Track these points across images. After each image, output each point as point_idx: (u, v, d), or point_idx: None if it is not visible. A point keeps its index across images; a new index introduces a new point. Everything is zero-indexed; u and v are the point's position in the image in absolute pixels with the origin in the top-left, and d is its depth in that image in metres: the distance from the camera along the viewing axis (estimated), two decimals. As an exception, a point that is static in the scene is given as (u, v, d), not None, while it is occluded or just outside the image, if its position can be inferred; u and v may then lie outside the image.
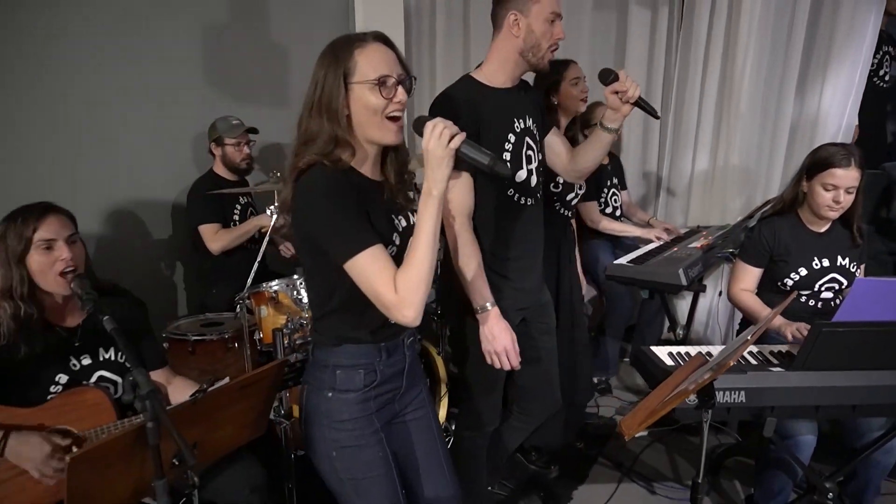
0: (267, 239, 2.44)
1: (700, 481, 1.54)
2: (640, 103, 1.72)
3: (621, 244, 3.31)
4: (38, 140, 2.65)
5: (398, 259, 1.30)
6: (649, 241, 3.20)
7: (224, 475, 1.75)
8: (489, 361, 1.76)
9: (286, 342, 2.11)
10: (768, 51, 3.26)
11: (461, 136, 1.24)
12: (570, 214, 2.61)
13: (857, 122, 3.30)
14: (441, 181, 1.24)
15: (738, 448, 2.79)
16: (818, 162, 2.06)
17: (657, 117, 1.81)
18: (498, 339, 1.72)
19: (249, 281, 2.30)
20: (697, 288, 3.02)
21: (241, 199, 3.08)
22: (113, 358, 1.75)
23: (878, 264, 2.91)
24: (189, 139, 3.18)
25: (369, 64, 1.26)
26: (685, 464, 2.82)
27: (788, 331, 2.01)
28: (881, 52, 3.77)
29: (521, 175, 1.81)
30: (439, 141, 1.23)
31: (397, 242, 1.34)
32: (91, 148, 2.79)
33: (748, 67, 3.28)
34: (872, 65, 3.70)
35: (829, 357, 1.73)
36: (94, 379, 1.71)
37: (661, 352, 1.96)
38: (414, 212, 1.41)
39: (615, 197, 3.35)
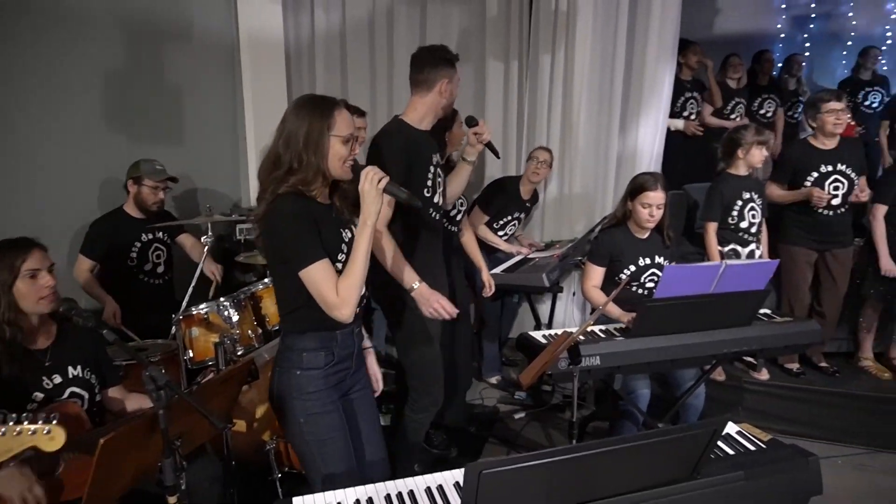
0: (201, 266, 2.70)
1: (574, 420, 2.10)
2: (489, 144, 2.46)
3: (492, 258, 3.91)
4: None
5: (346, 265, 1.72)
6: (512, 255, 3.82)
7: (188, 467, 2.02)
8: (433, 316, 2.16)
9: (227, 355, 2.40)
10: (597, 99, 4.07)
11: (386, 179, 1.70)
12: (455, 229, 3.14)
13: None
14: (374, 213, 1.68)
15: (594, 415, 3.45)
16: (636, 187, 2.78)
17: (497, 157, 2.63)
18: (432, 299, 2.14)
19: (184, 304, 2.55)
20: (556, 289, 3.70)
21: (143, 236, 3.18)
22: (80, 375, 1.96)
23: (687, 262, 3.75)
24: (95, 181, 3.30)
25: (344, 123, 1.70)
26: (557, 434, 3.43)
27: (625, 318, 2.67)
28: (684, 97, 4.80)
29: (437, 198, 2.37)
30: (371, 183, 1.68)
31: (345, 251, 1.75)
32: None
33: (582, 112, 4.07)
34: (679, 107, 4.74)
35: (654, 326, 2.40)
36: (66, 395, 1.91)
37: (538, 335, 2.55)
38: (356, 225, 1.83)
39: (513, 227, 3.95)
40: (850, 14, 6.46)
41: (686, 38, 4.85)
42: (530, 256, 3.72)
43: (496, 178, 4.05)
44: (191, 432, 1.78)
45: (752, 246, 3.32)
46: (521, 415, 3.61)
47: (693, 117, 4.83)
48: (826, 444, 3.27)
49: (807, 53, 6.54)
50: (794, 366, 3.54)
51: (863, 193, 3.33)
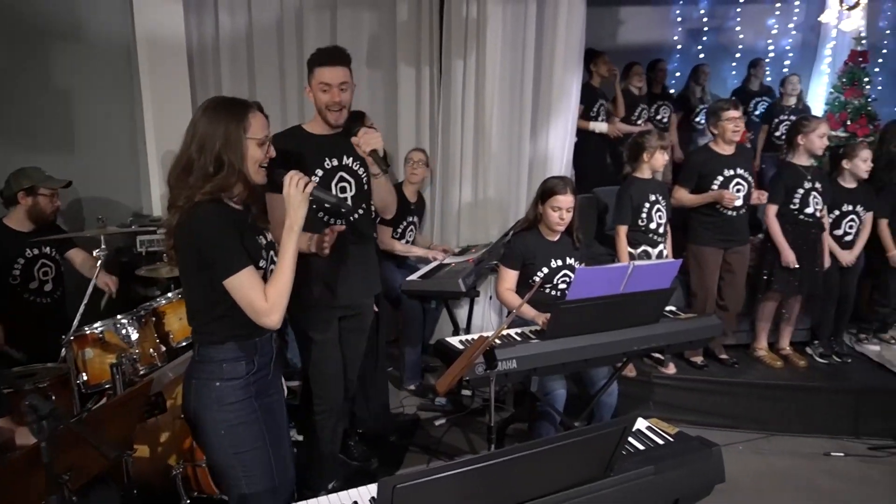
0: (94, 281, 2.51)
1: (492, 425, 2.10)
2: (373, 156, 2.27)
3: (406, 264, 3.89)
4: None
5: (267, 271, 1.69)
6: (429, 261, 3.81)
7: (86, 498, 1.86)
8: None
9: (126, 376, 2.24)
10: (508, 105, 4.14)
11: (313, 183, 1.68)
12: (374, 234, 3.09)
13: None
14: (300, 219, 1.67)
15: (514, 417, 3.49)
16: (546, 190, 2.84)
17: (385, 171, 2.36)
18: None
19: (75, 324, 2.36)
20: (473, 294, 3.72)
21: (27, 252, 2.95)
22: None
23: (598, 264, 3.86)
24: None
25: (259, 125, 1.66)
26: (478, 438, 3.44)
27: (540, 320, 2.70)
28: (597, 105, 4.97)
29: (350, 207, 2.29)
30: (297, 188, 1.65)
31: (265, 257, 1.72)
32: None
33: (494, 117, 4.12)
34: (594, 113, 4.90)
35: (568, 327, 2.45)
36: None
37: (454, 340, 2.54)
38: (267, 230, 1.80)
39: (411, 233, 3.93)
40: (738, 28, 6.95)
41: (593, 47, 5.05)
42: (446, 262, 3.73)
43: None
44: (83, 463, 1.64)
45: (661, 246, 3.47)
46: (442, 421, 3.59)
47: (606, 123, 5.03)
48: (728, 432, 3.46)
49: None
50: (699, 359, 3.73)
51: (763, 196, 3.55)
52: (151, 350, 2.51)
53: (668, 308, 2.90)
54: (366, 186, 2.44)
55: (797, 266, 3.54)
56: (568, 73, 4.09)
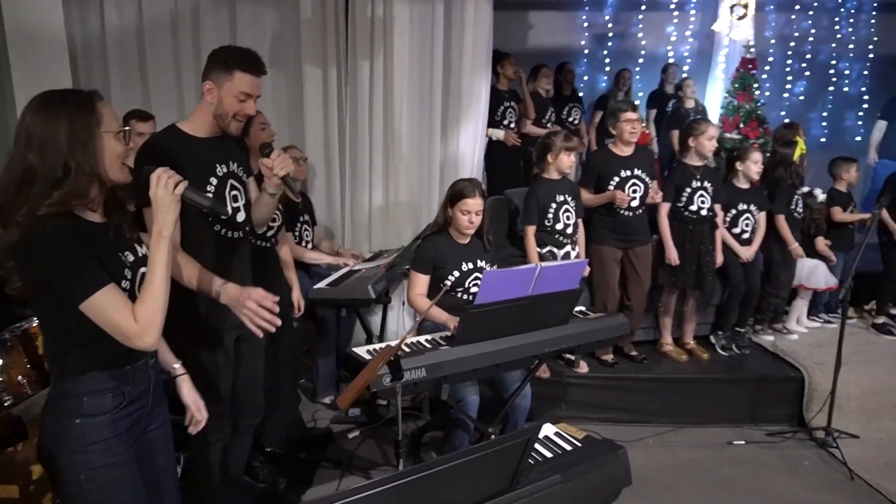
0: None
1: (398, 439, 2.01)
2: (285, 180, 2.08)
3: (314, 272, 3.73)
4: None
5: (133, 291, 1.49)
6: (339, 267, 3.68)
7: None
8: (254, 322, 1.81)
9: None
10: (417, 106, 4.07)
11: (184, 184, 1.50)
12: (269, 245, 2.93)
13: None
14: (170, 224, 1.47)
15: (430, 425, 3.42)
16: (454, 194, 2.78)
17: (296, 199, 2.20)
18: (243, 297, 1.80)
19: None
20: (384, 301, 3.61)
21: None
22: None
23: (509, 266, 3.84)
24: None
25: (110, 116, 1.45)
26: (393, 450, 3.33)
27: (451, 324, 2.64)
28: (503, 107, 4.98)
29: (228, 212, 2.09)
30: (166, 189, 1.46)
31: (129, 276, 1.50)
32: None
33: (404, 119, 4.04)
34: (499, 116, 4.91)
35: (477, 331, 2.39)
36: None
37: (361, 350, 2.43)
38: (140, 243, 1.59)
39: (307, 231, 3.77)
40: (640, 35, 7.22)
41: (502, 50, 5.07)
42: (356, 268, 3.60)
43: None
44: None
45: (568, 247, 3.50)
46: (356, 433, 3.47)
47: (513, 126, 5.04)
48: (639, 427, 3.55)
49: (607, 69, 7.20)
50: (609, 357, 3.80)
51: (657, 195, 3.66)
52: (20, 377, 2.25)
53: (577, 308, 2.91)
54: (249, 196, 2.25)
55: (678, 263, 3.68)
56: (476, 74, 4.07)
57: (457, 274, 2.83)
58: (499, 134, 4.94)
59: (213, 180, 2.08)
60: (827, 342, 4.01)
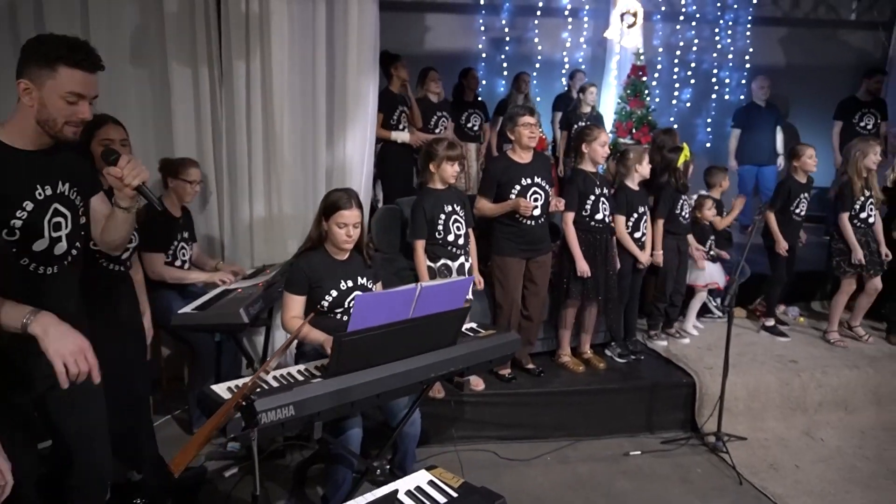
0: None
1: (257, 494, 1.75)
2: (142, 189, 1.75)
3: (189, 291, 3.36)
4: None
5: None
6: (215, 286, 3.32)
7: None
8: (67, 379, 1.52)
9: None
10: (300, 109, 3.76)
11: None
12: (122, 269, 2.56)
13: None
14: None
15: (317, 456, 3.14)
16: (329, 206, 2.54)
17: (159, 208, 1.84)
18: (66, 339, 1.52)
19: None
20: (263, 323, 3.29)
21: None
22: None
23: (401, 279, 3.64)
24: None
25: None
26: (275, 487, 3.04)
27: (327, 346, 2.39)
28: (398, 110, 4.78)
29: (41, 245, 1.73)
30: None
31: None
32: None
33: (286, 122, 3.72)
34: (395, 120, 4.70)
35: (353, 361, 2.16)
36: None
37: (221, 388, 2.11)
38: None
39: (184, 250, 3.39)
40: (536, 40, 7.25)
41: (395, 52, 4.86)
42: (231, 287, 3.25)
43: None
44: None
45: (462, 259, 3.34)
46: (233, 471, 3.13)
47: (407, 131, 4.85)
48: (537, 443, 3.44)
49: (505, 73, 7.17)
50: (507, 371, 3.66)
51: (560, 204, 3.55)
52: None
53: (468, 325, 2.75)
54: (83, 219, 1.87)
55: (590, 275, 3.61)
56: (363, 76, 3.83)
57: (335, 293, 2.59)
58: (403, 136, 4.73)
59: (28, 205, 1.70)
60: (716, 344, 4.10)
